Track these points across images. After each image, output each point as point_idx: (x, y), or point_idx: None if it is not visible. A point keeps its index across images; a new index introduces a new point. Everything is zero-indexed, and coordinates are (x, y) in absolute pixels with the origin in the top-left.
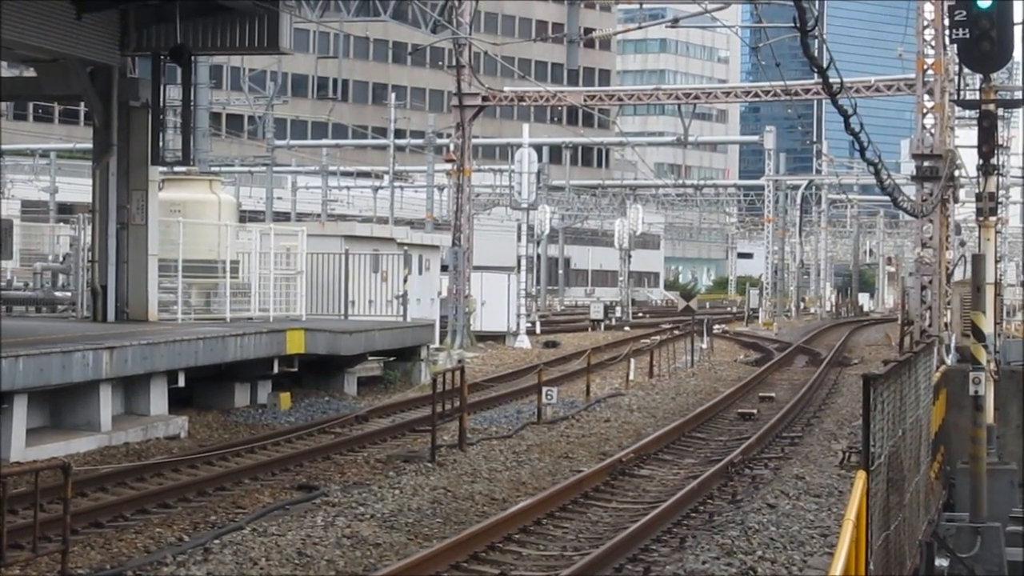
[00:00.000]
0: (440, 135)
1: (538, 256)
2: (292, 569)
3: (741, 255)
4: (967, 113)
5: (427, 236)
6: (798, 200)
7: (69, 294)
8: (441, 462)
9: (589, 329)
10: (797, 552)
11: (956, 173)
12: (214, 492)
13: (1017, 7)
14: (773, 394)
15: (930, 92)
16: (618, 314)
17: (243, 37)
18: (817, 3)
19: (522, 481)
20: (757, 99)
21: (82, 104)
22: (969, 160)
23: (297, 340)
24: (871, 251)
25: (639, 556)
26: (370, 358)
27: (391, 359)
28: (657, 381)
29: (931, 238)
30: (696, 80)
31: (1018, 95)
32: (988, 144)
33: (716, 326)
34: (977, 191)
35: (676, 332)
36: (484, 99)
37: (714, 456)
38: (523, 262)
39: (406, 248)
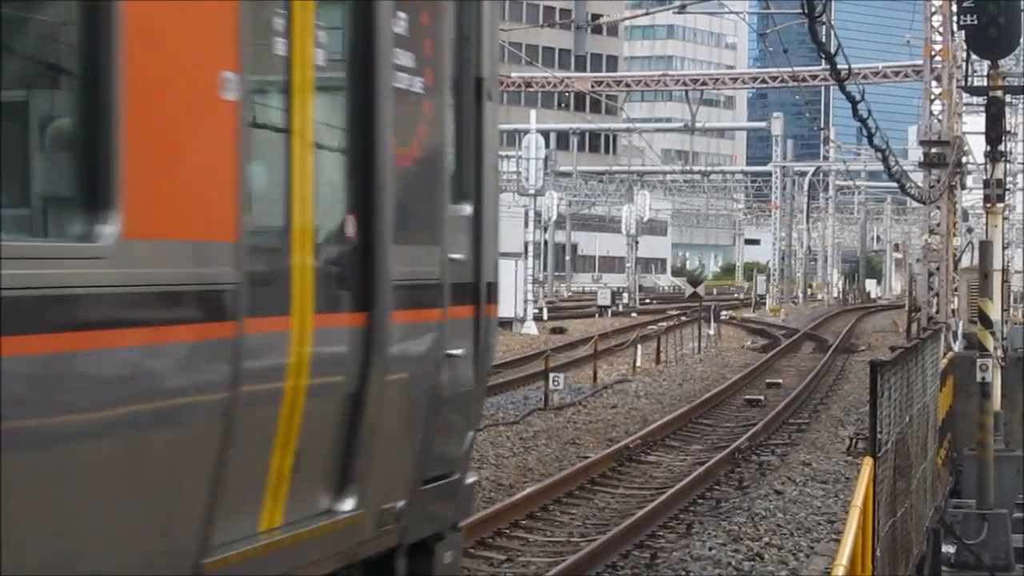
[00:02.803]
0: None
1: (545, 242)
2: None
3: (748, 241)
4: (975, 100)
5: None
6: (805, 186)
7: None
8: None
9: (596, 315)
10: (804, 538)
11: (963, 160)
12: None
13: None
14: (780, 380)
15: (938, 79)
16: (625, 300)
17: None
18: None
19: (529, 467)
20: (765, 85)
21: None
22: (977, 147)
23: None
24: (878, 238)
25: (646, 542)
26: None
27: None
28: (664, 367)
29: (938, 225)
30: (704, 66)
31: None
32: (996, 131)
33: (723, 312)
34: (985, 178)
35: (683, 318)
36: None
37: (721, 442)
38: (530, 248)
39: None
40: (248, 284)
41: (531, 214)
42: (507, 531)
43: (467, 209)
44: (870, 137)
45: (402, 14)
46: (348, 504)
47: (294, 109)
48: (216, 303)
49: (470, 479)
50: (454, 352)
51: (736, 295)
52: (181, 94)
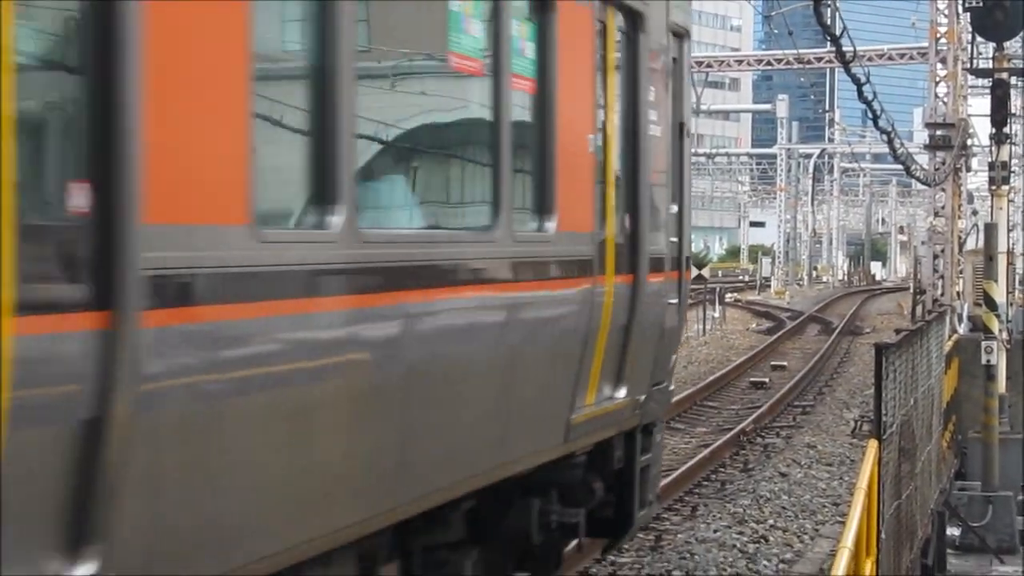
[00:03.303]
0: None
1: None
2: None
3: (753, 224)
4: (980, 82)
5: None
6: (810, 169)
7: None
8: None
9: None
10: (809, 521)
11: (969, 142)
12: None
13: None
14: (785, 363)
15: (943, 61)
16: None
17: None
18: None
19: None
20: (770, 67)
21: None
22: (982, 129)
23: None
24: (883, 220)
25: (651, 524)
26: None
27: None
28: None
29: (943, 207)
30: (709, 48)
31: None
32: (1001, 113)
33: (728, 295)
34: (990, 160)
35: (688, 300)
36: None
37: (726, 425)
38: None
39: None
40: (596, 256)
41: None
42: None
43: (675, 208)
44: (875, 119)
45: (651, 88)
46: (621, 394)
47: (608, 152)
48: (587, 267)
49: (671, 387)
50: (671, 301)
51: (741, 277)
52: (578, 153)
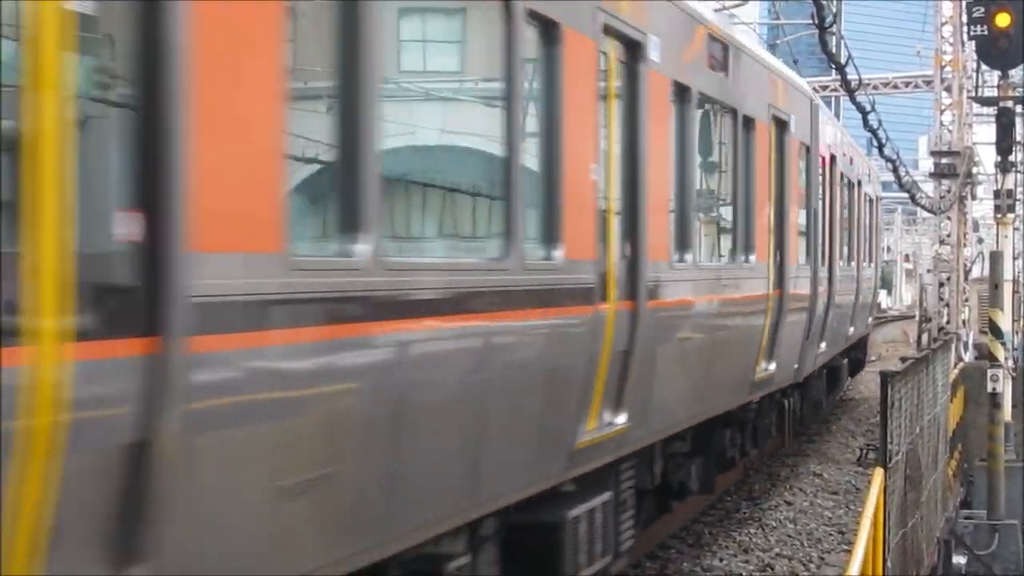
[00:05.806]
0: None
1: None
2: None
3: None
4: (985, 110)
5: None
6: None
7: None
8: None
9: None
10: (815, 549)
11: (974, 170)
12: None
13: None
14: None
15: (948, 89)
16: None
17: None
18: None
19: None
20: None
21: None
22: (987, 157)
23: None
24: (888, 248)
25: (656, 553)
26: None
27: None
28: None
29: (949, 235)
30: None
31: None
32: (1006, 141)
33: None
34: (995, 188)
35: None
36: None
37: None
38: None
39: None
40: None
41: None
42: None
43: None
44: (880, 147)
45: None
46: (870, 321)
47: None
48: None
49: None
50: (871, 294)
51: None
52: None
